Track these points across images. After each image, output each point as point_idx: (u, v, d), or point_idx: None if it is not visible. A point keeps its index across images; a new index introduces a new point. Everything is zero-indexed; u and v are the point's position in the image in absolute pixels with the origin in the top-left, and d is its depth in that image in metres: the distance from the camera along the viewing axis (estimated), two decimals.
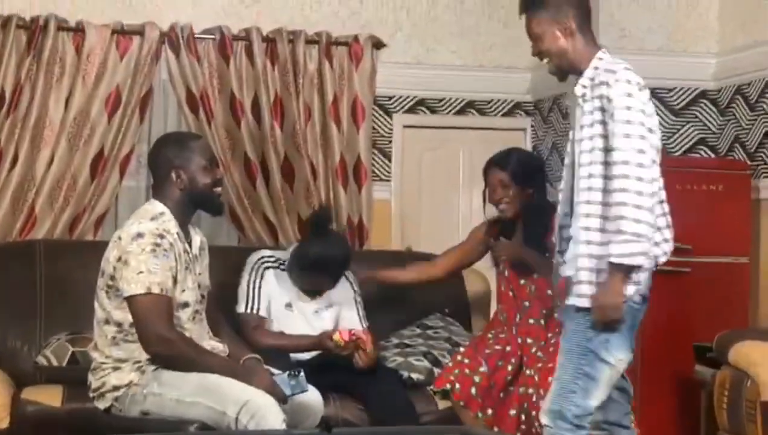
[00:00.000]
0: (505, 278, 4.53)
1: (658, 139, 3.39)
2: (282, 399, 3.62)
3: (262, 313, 4.41)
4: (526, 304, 4.46)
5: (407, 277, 4.81)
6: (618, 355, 3.35)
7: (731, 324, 4.77)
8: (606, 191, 3.31)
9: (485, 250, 4.68)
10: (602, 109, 3.34)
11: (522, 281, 4.47)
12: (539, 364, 4.30)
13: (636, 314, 3.38)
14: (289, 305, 4.45)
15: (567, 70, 3.51)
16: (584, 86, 3.42)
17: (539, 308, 4.42)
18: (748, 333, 4.58)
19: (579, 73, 3.45)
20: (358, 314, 4.54)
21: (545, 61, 3.52)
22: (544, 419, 3.43)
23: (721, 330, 4.55)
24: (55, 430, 4.01)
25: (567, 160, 3.54)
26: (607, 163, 3.31)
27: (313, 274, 4.41)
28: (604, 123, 3.33)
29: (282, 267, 4.49)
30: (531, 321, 4.44)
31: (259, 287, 4.42)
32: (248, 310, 4.40)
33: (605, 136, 3.32)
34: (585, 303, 3.35)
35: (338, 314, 4.52)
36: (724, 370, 4.43)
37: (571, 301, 3.38)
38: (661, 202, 3.42)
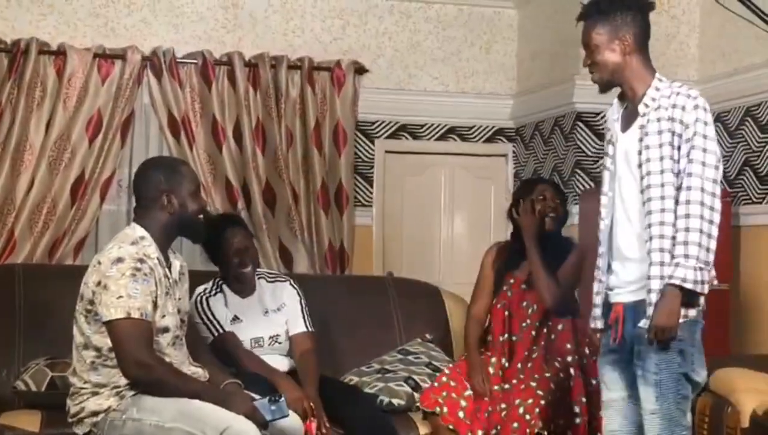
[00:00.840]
0: (506, 297, 4.55)
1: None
2: (263, 424, 3.59)
3: (227, 328, 4.41)
4: (524, 325, 4.49)
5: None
6: (703, 374, 3.42)
7: (712, 351, 4.76)
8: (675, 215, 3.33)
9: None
10: (672, 132, 3.34)
11: (524, 303, 4.49)
12: (513, 381, 4.32)
13: (702, 332, 3.44)
14: (235, 318, 4.45)
15: (614, 84, 3.51)
16: (647, 105, 3.41)
17: (532, 326, 4.45)
18: (729, 360, 4.59)
19: (627, 89, 3.47)
20: (304, 318, 4.52)
21: (593, 72, 3.51)
22: None
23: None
24: None
25: (607, 176, 3.53)
26: (679, 188, 3.32)
27: (218, 233, 4.45)
28: (672, 145, 3.34)
29: (218, 289, 4.51)
30: (514, 338, 4.47)
31: (212, 312, 4.43)
32: (216, 334, 4.39)
33: (674, 159, 3.33)
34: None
35: (287, 317, 4.51)
36: (705, 396, 4.43)
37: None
38: None
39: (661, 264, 3.32)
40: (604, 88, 3.53)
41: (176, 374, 3.65)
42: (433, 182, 6.18)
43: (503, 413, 4.27)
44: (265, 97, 5.65)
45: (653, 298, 3.32)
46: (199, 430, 3.48)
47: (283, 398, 3.70)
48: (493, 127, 6.25)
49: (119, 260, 3.59)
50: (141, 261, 3.60)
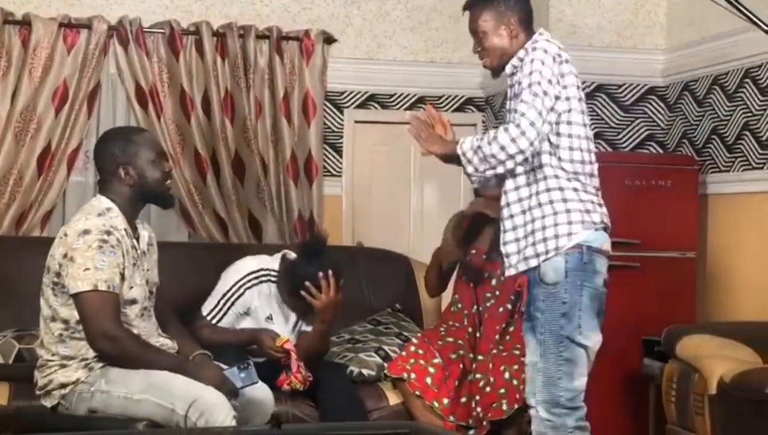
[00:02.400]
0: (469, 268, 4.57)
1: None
2: (233, 393, 3.59)
3: (222, 325, 4.38)
4: (488, 295, 4.50)
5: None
6: (592, 337, 3.49)
7: (679, 318, 4.82)
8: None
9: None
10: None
11: (486, 274, 4.50)
12: (493, 351, 4.34)
13: (602, 298, 3.51)
14: (269, 318, 4.41)
15: (501, 68, 3.63)
16: (514, 66, 3.56)
17: (504, 299, 4.45)
18: (695, 327, 4.63)
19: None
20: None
21: (483, 58, 3.66)
22: (541, 412, 3.50)
23: (669, 324, 4.60)
24: (1, 428, 3.95)
25: None
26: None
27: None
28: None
29: (272, 279, 4.43)
30: (488, 313, 4.49)
31: (233, 303, 4.36)
32: (209, 316, 4.36)
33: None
34: (533, 263, 3.50)
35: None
36: (672, 363, 4.48)
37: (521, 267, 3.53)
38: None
39: (525, 225, 3.53)
40: (496, 72, 3.67)
41: (144, 346, 3.65)
42: (403, 152, 6.16)
43: (481, 383, 4.28)
44: (234, 67, 5.61)
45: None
46: (168, 402, 3.48)
47: (251, 365, 3.70)
48: (462, 96, 6.24)
49: (86, 232, 3.57)
50: (108, 233, 3.58)
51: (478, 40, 3.66)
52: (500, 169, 3.46)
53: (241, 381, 3.66)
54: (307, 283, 4.22)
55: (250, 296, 4.37)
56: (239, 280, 4.38)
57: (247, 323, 4.39)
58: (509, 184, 3.55)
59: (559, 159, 3.48)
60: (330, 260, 4.32)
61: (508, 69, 3.57)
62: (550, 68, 3.44)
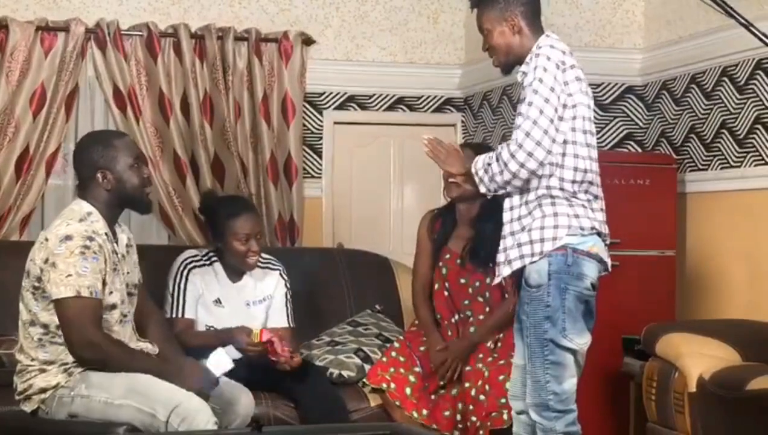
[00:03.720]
0: (441, 276, 4.52)
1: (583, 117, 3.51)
2: (213, 383, 3.59)
3: (189, 314, 4.37)
4: (466, 302, 4.47)
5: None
6: (577, 340, 3.48)
7: (659, 316, 4.84)
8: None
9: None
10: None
11: (462, 280, 4.46)
12: (488, 359, 4.31)
13: (589, 301, 3.50)
14: (218, 301, 4.41)
15: (512, 65, 3.60)
16: (524, 72, 3.51)
17: (482, 309, 4.43)
18: (675, 325, 4.64)
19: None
20: (287, 313, 4.51)
21: (491, 56, 3.63)
22: (532, 415, 3.50)
23: (648, 322, 4.61)
24: None
25: None
26: None
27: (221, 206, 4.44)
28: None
29: (208, 262, 4.45)
30: (460, 318, 4.46)
31: (184, 290, 4.37)
32: (174, 314, 4.36)
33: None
34: (516, 265, 3.51)
35: (268, 309, 4.49)
36: (652, 362, 4.49)
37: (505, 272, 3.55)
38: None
39: (512, 234, 3.52)
40: (505, 69, 3.65)
41: (127, 352, 3.64)
42: (382, 153, 6.18)
43: (473, 391, 4.25)
44: (212, 69, 5.61)
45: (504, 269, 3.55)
46: (148, 407, 3.47)
47: (223, 352, 3.71)
48: (441, 97, 6.25)
49: (68, 238, 3.55)
50: (90, 238, 3.57)
51: (484, 38, 3.62)
52: (509, 188, 3.46)
53: (215, 368, 3.66)
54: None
55: (194, 277, 4.38)
56: (180, 265, 4.41)
57: (205, 313, 4.39)
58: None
59: (555, 165, 3.46)
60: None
61: (519, 77, 3.53)
62: (553, 75, 3.41)
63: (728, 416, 4.04)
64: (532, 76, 3.41)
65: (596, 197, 3.55)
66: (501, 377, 4.19)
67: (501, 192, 3.50)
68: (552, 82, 3.39)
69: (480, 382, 4.25)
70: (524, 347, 3.53)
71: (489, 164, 3.45)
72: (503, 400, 4.12)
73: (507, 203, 3.55)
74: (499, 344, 4.37)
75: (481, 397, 4.21)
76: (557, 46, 3.49)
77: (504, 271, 3.53)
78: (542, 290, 3.45)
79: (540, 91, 3.38)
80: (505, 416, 4.11)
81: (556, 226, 3.44)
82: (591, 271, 3.48)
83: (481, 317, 4.42)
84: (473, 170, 3.52)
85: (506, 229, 3.55)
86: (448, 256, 4.51)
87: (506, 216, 3.55)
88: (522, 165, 3.36)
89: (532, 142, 3.35)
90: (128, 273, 3.77)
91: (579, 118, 3.47)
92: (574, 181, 3.46)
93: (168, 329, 4.03)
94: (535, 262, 3.46)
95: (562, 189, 3.45)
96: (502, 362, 4.25)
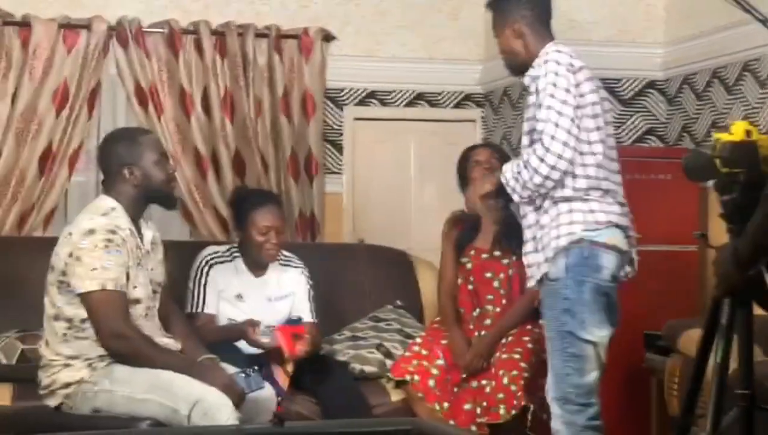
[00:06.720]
0: (466, 271, 4.53)
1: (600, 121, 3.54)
2: (240, 395, 3.60)
3: (210, 310, 4.39)
4: (489, 297, 4.47)
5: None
6: (598, 332, 3.50)
7: (681, 312, 4.82)
8: None
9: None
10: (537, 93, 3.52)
11: (488, 274, 4.47)
12: (503, 356, 4.31)
13: (609, 293, 3.52)
14: (239, 296, 4.43)
15: (518, 69, 3.66)
16: (532, 77, 3.56)
17: (501, 303, 4.44)
18: (697, 321, 4.62)
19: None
20: (310, 308, 4.52)
21: (503, 59, 3.74)
22: (553, 408, 3.53)
23: (670, 318, 4.60)
24: (5, 428, 3.96)
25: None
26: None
27: (249, 201, 4.48)
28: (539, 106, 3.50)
29: (230, 257, 4.47)
30: (482, 311, 4.47)
31: (205, 285, 4.39)
32: (195, 310, 4.38)
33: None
34: (543, 268, 3.57)
35: (292, 305, 4.51)
36: (674, 357, 4.48)
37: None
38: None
39: (534, 239, 3.59)
40: (514, 72, 3.72)
41: (154, 346, 3.67)
42: (403, 148, 6.17)
43: (487, 388, 4.26)
44: (233, 65, 5.62)
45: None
46: (171, 402, 3.50)
47: (256, 371, 3.72)
48: (461, 92, 6.24)
49: (91, 232, 3.59)
50: (113, 232, 3.60)
51: (497, 42, 3.73)
52: (542, 191, 3.49)
53: (247, 386, 3.67)
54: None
55: (215, 273, 4.40)
56: (201, 261, 4.44)
57: (229, 308, 4.40)
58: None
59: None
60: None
61: (526, 81, 3.59)
62: (565, 77, 3.45)
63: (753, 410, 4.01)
64: (545, 82, 3.45)
65: (612, 191, 3.56)
66: (501, 371, 4.21)
67: (535, 196, 3.53)
68: (566, 84, 3.45)
69: (489, 379, 4.28)
70: (546, 342, 3.55)
71: (519, 172, 3.48)
72: (500, 395, 4.14)
73: (522, 209, 3.58)
74: (511, 338, 4.37)
75: (488, 389, 4.25)
76: (564, 50, 3.55)
77: (535, 277, 3.58)
78: (560, 283, 3.50)
79: (556, 95, 3.43)
80: (501, 411, 4.13)
81: (571, 223, 3.47)
82: (610, 263, 3.51)
83: (498, 310, 4.43)
84: (503, 181, 3.55)
85: (527, 235, 3.57)
86: (473, 252, 4.54)
87: (525, 221, 3.58)
88: (553, 167, 3.41)
89: (558, 144, 3.39)
90: (152, 269, 3.79)
91: (594, 117, 3.51)
92: (588, 177, 3.49)
93: (190, 325, 4.05)
94: (553, 257, 3.48)
95: (575, 187, 3.48)
96: (504, 357, 4.26)
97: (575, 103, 3.44)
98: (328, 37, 5.83)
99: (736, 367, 4.03)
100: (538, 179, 3.43)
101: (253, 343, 4.22)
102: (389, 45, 6.08)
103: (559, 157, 3.40)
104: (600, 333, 3.50)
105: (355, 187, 6.07)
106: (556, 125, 3.40)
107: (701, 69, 5.37)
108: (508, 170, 3.54)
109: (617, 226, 3.54)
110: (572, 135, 3.42)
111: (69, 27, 5.40)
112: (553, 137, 3.40)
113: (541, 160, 3.41)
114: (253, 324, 4.21)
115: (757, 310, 4.85)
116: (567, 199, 3.50)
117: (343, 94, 6.03)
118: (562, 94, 3.42)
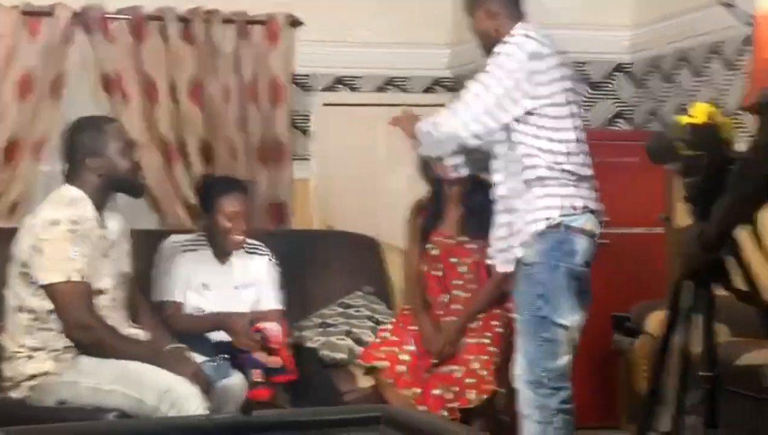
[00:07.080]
0: (433, 257, 4.52)
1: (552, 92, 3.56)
2: (209, 384, 3.59)
3: (177, 298, 4.37)
4: (459, 283, 4.47)
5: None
6: (571, 316, 3.53)
7: (648, 294, 4.84)
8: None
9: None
10: None
11: (453, 259, 4.47)
12: (470, 341, 4.32)
13: (582, 278, 3.55)
14: (206, 285, 4.41)
15: (490, 49, 3.64)
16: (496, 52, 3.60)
17: (469, 288, 4.44)
18: (664, 302, 4.64)
19: None
20: (277, 295, 4.51)
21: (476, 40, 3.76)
22: (524, 392, 3.55)
23: (638, 300, 4.62)
24: None
25: None
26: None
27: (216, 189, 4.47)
28: None
29: (195, 247, 4.45)
30: (451, 296, 4.47)
31: (170, 272, 4.38)
32: (163, 298, 4.36)
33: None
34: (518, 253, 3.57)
35: (258, 295, 4.49)
36: (643, 339, 4.50)
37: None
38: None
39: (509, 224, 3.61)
40: (487, 52, 3.69)
41: (119, 336, 3.65)
42: (372, 134, 6.14)
43: (458, 373, 4.27)
44: (200, 52, 5.58)
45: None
46: (137, 393, 3.48)
47: (224, 359, 3.71)
48: (431, 77, 6.23)
49: (54, 223, 3.56)
50: (77, 222, 3.58)
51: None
52: (438, 152, 3.65)
53: (215, 375, 3.66)
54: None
55: (182, 260, 4.39)
56: (167, 248, 4.44)
57: (195, 296, 4.38)
58: (495, 177, 3.62)
59: (540, 149, 3.52)
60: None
61: (489, 60, 3.62)
62: (518, 62, 3.46)
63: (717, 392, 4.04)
64: (495, 59, 3.50)
65: (585, 176, 3.58)
66: (472, 356, 4.21)
67: (434, 155, 3.66)
68: (514, 67, 3.46)
69: (459, 365, 4.28)
70: (518, 326, 3.55)
71: (434, 124, 3.59)
72: (468, 380, 4.15)
73: (498, 190, 3.58)
74: (478, 323, 4.38)
75: (458, 374, 4.25)
76: (533, 35, 3.53)
77: (509, 267, 3.60)
78: (535, 268, 3.51)
79: (496, 73, 3.47)
80: (472, 395, 4.15)
81: (548, 207, 3.47)
82: (583, 248, 3.53)
83: (466, 296, 4.43)
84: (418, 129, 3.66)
85: (501, 219, 3.57)
86: (438, 238, 4.52)
87: (498, 205, 3.58)
88: (455, 132, 3.52)
89: (468, 115, 3.49)
90: (118, 260, 3.77)
91: (566, 104, 3.52)
92: (559, 163, 3.49)
93: (156, 316, 4.03)
94: (529, 241, 3.48)
95: (550, 169, 3.49)
96: (473, 342, 4.27)
97: (518, 91, 3.46)
98: (295, 23, 5.80)
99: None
100: (441, 132, 3.57)
101: (238, 339, 4.19)
102: (357, 30, 6.05)
103: (465, 126, 3.49)
104: (573, 317, 3.54)
105: (324, 173, 6.04)
106: (477, 96, 3.45)
107: (669, 51, 5.38)
108: (424, 123, 3.68)
109: (592, 211, 3.55)
110: (489, 115, 3.46)
111: (32, 14, 5.34)
112: (467, 107, 3.46)
113: (449, 118, 3.55)
114: (243, 318, 4.20)
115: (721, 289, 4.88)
116: (542, 184, 3.51)
117: (311, 79, 6.00)
118: (502, 74, 3.45)
